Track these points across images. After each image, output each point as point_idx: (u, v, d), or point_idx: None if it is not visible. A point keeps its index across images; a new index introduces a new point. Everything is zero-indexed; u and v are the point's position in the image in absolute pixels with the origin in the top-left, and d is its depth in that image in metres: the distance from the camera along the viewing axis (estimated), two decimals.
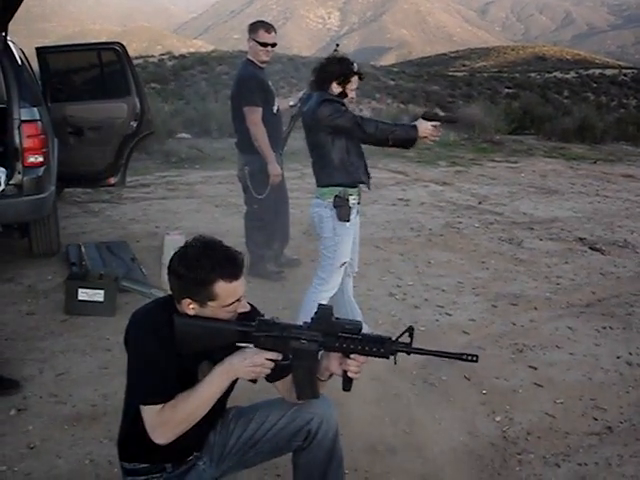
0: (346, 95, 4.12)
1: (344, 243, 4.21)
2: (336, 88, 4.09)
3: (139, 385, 2.24)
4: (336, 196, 4.11)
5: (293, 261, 6.02)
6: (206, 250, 2.22)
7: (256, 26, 5.39)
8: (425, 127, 3.98)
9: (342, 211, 4.12)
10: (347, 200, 4.12)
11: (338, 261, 4.23)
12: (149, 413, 2.20)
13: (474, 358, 2.22)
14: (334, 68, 4.10)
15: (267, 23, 5.49)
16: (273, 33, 5.41)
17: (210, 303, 2.21)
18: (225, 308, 2.24)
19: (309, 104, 4.19)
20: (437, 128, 4.01)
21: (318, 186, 4.24)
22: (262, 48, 5.33)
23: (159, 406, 2.19)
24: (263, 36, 5.33)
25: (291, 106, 5.59)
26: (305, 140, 4.29)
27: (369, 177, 4.31)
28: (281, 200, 5.70)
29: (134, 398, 2.27)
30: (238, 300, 2.26)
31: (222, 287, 2.20)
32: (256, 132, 5.28)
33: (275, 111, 5.46)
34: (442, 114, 4.15)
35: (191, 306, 2.22)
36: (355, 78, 4.12)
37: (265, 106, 5.34)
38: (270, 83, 5.49)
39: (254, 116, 5.27)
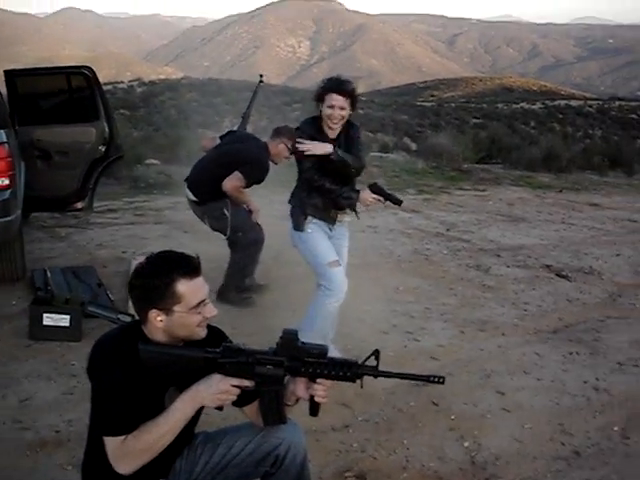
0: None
1: (317, 245, 4.27)
2: (320, 106, 4.17)
3: (102, 416, 2.21)
4: (293, 206, 4.27)
5: (260, 287, 5.97)
6: (160, 256, 2.24)
7: (291, 132, 5.42)
8: (366, 198, 4.15)
9: (295, 220, 4.26)
10: (303, 211, 4.22)
11: (323, 262, 4.25)
12: (112, 444, 2.17)
13: (441, 380, 2.23)
14: (316, 90, 4.19)
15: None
16: None
17: (176, 308, 2.19)
18: (193, 311, 2.21)
19: None
20: (377, 201, 4.17)
21: None
22: (288, 156, 5.37)
23: (122, 437, 2.16)
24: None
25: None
26: None
27: (329, 215, 4.33)
28: (259, 227, 5.70)
29: (97, 428, 2.24)
30: (204, 302, 2.24)
31: (184, 285, 2.19)
32: (239, 195, 5.41)
33: None
34: (388, 192, 4.21)
35: (159, 318, 2.20)
36: (328, 96, 4.11)
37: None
38: None
39: (238, 187, 5.35)
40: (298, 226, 4.25)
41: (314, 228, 4.27)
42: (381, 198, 4.15)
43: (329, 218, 4.31)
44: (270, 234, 5.75)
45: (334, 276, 4.27)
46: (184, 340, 2.28)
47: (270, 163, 5.51)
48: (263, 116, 27.17)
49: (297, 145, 4.11)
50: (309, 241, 4.26)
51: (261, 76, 5.49)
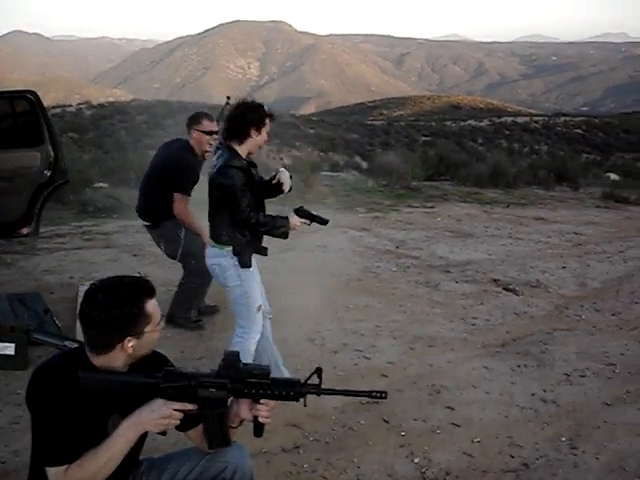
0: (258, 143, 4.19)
1: (253, 287, 4.23)
2: (255, 134, 4.14)
3: (43, 446, 2.19)
4: (235, 246, 4.14)
5: (211, 308, 5.97)
6: (114, 285, 2.25)
7: (198, 116, 5.41)
8: (295, 222, 4.19)
9: (243, 258, 4.16)
10: (245, 247, 4.16)
11: (253, 306, 4.24)
12: (55, 475, 2.15)
13: (383, 395, 2.26)
14: (252, 115, 4.13)
15: (207, 113, 5.53)
16: (215, 121, 5.44)
17: (147, 328, 2.23)
18: (157, 327, 2.28)
19: (217, 159, 4.16)
20: (304, 224, 4.24)
21: (211, 236, 4.27)
22: (207, 137, 5.33)
23: (64, 467, 2.14)
24: (208, 125, 5.35)
25: None
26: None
27: (262, 246, 4.31)
28: None
29: (39, 459, 2.21)
30: (162, 317, 2.31)
31: (151, 305, 2.25)
32: (185, 218, 5.36)
33: None
34: (315, 213, 4.31)
35: (130, 344, 2.22)
36: (267, 120, 4.18)
37: None
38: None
39: (184, 205, 5.33)
40: (246, 263, 4.17)
41: (254, 265, 4.26)
42: (307, 221, 4.23)
43: (262, 249, 4.31)
44: None
45: (257, 320, 4.30)
46: (140, 359, 2.30)
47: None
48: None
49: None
50: (248, 281, 4.21)
51: (228, 98, 5.46)
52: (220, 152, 4.17)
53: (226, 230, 4.15)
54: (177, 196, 5.30)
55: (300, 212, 4.22)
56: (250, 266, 4.20)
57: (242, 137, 4.14)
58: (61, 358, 2.32)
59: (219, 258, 4.20)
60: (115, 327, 2.19)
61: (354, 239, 9.58)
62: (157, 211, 5.46)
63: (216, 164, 4.11)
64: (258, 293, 4.29)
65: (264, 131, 4.17)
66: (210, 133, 5.34)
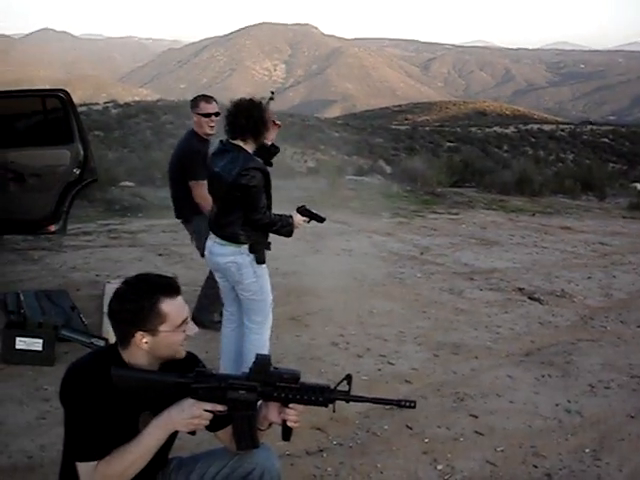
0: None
1: (267, 282, 4.33)
2: (265, 133, 4.22)
3: (74, 441, 2.21)
4: (252, 243, 4.19)
5: None
6: (140, 279, 2.26)
7: (196, 100, 5.48)
8: (298, 220, 4.32)
9: (259, 254, 4.23)
10: (260, 244, 4.23)
11: (268, 300, 4.35)
12: (85, 470, 2.17)
13: (412, 404, 2.25)
14: (263, 114, 4.17)
15: (206, 95, 5.58)
16: (214, 103, 5.47)
17: (162, 328, 2.22)
18: (178, 330, 2.25)
19: (231, 161, 4.11)
20: (304, 222, 4.38)
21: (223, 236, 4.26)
22: (206, 119, 5.36)
23: (95, 462, 2.16)
24: (205, 107, 5.38)
25: None
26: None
27: (269, 243, 4.35)
28: None
29: (70, 454, 2.23)
30: (186, 321, 2.28)
31: (168, 304, 2.22)
32: (206, 205, 5.30)
33: None
34: (314, 212, 4.43)
35: (144, 340, 2.22)
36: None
37: None
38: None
39: (202, 190, 5.19)
40: (262, 259, 4.25)
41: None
42: (307, 219, 4.36)
43: (268, 244, 4.35)
44: None
45: (270, 313, 4.41)
46: (166, 360, 2.31)
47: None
48: None
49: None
50: (263, 276, 4.31)
51: (272, 93, 5.43)
52: (232, 155, 4.12)
53: (242, 229, 4.17)
54: (192, 184, 5.31)
55: (300, 211, 4.35)
56: (265, 262, 4.28)
57: (255, 136, 4.16)
58: (95, 355, 2.35)
59: (236, 256, 4.21)
60: (125, 319, 2.21)
61: (378, 244, 9.58)
62: (184, 206, 5.51)
63: (231, 167, 4.05)
64: (269, 287, 4.37)
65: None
66: (208, 115, 5.38)
